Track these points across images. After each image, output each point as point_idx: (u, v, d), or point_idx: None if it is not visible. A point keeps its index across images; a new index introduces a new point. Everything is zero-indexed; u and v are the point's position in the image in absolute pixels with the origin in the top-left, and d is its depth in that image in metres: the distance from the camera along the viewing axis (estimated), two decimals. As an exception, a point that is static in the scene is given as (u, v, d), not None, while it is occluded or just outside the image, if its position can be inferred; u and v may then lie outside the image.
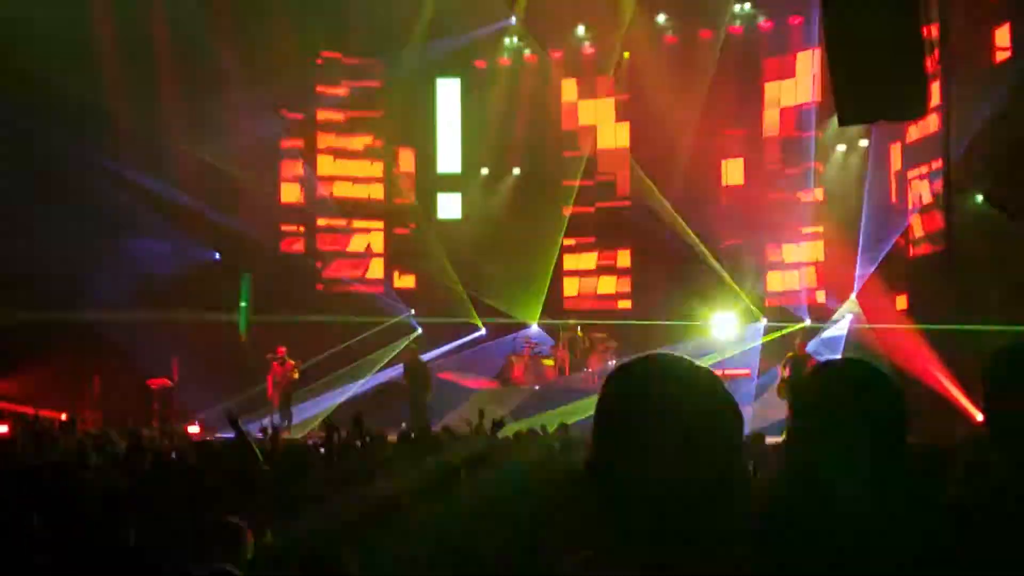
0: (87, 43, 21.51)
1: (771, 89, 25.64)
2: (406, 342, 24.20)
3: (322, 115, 26.48)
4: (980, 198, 17.08)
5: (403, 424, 17.59)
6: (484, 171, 27.79)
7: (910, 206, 20.88)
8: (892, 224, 21.53)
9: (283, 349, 21.25)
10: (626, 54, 26.83)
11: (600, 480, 1.75)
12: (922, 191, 20.33)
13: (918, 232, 20.52)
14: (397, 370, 22.61)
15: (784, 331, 23.08)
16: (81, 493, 5.82)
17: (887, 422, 2.32)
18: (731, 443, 1.75)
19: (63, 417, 18.55)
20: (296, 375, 21.28)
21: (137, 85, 22.31)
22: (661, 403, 1.74)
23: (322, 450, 10.58)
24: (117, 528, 5.15)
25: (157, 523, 5.64)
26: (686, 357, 1.85)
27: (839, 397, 2.32)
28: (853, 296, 22.54)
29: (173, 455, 10.55)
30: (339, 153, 26.78)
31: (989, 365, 2.59)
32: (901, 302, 20.80)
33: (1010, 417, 2.51)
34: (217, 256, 23.95)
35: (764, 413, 17.81)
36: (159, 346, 21.37)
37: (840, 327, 22.55)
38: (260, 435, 13.45)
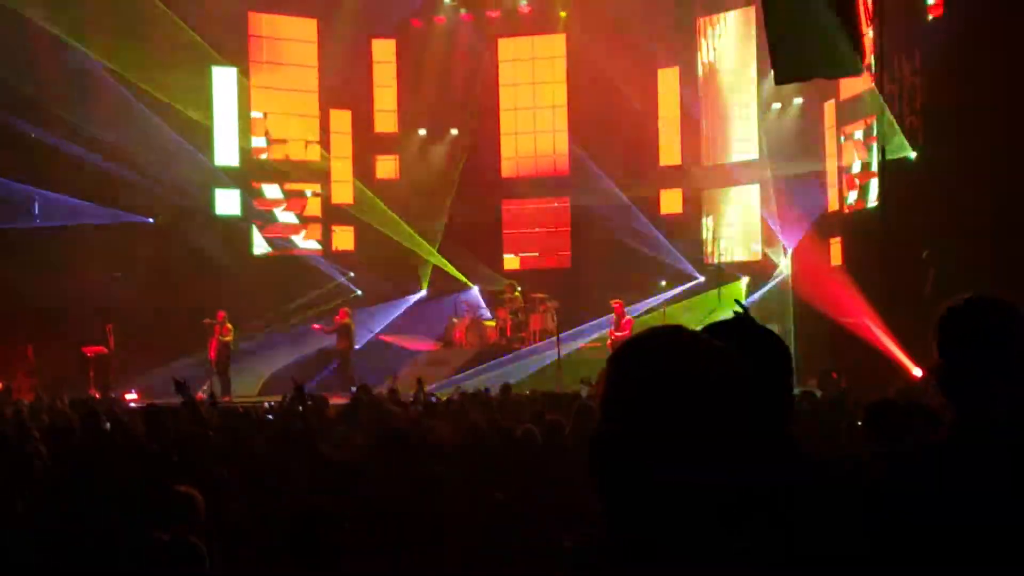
0: None
1: (705, 49, 25.77)
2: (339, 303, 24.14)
3: (256, 76, 26.06)
4: (912, 154, 17.32)
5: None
6: (422, 132, 27.63)
7: (844, 163, 21.14)
8: (827, 181, 21.81)
9: (223, 314, 21.06)
10: (563, 13, 26.79)
11: (610, 476, 1.67)
12: (856, 148, 20.59)
13: (852, 188, 20.80)
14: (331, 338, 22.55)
15: (721, 289, 23.33)
16: (27, 464, 5.74)
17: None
18: (751, 432, 1.66)
19: (-2, 386, 18.26)
20: (230, 338, 21.11)
21: (68, 45, 21.84)
22: (678, 393, 1.64)
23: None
24: (69, 498, 5.10)
25: (109, 492, 5.59)
26: (697, 332, 1.75)
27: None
28: (789, 251, 22.85)
29: (111, 424, 10.42)
30: (275, 114, 26.42)
31: (943, 321, 2.64)
32: (836, 257, 21.10)
33: (963, 372, 2.57)
34: (152, 220, 23.56)
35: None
36: (93, 312, 21.05)
37: (775, 283, 22.91)
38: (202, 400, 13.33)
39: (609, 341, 20.57)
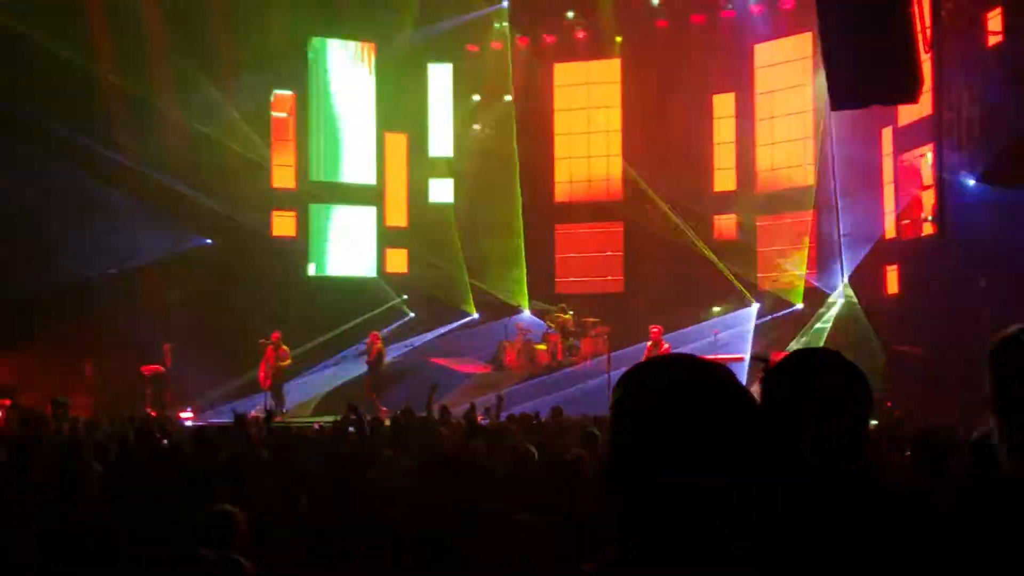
0: (80, 17, 21.41)
1: (763, 73, 25.71)
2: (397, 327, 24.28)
3: (315, 99, 26.37)
4: (972, 181, 17.11)
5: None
6: (477, 157, 27.75)
7: (901, 190, 20.92)
8: (884, 207, 21.59)
9: (277, 334, 21.22)
10: (618, 38, 26.85)
11: (619, 482, 1.76)
12: (913, 175, 20.37)
13: (909, 216, 20.57)
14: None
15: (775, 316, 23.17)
16: (78, 479, 5.83)
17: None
18: (754, 440, 1.75)
19: (58, 402, 18.47)
20: (288, 361, 21.26)
21: (131, 70, 22.21)
22: (682, 404, 1.75)
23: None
24: (118, 514, 5.16)
25: (154, 510, 5.65)
26: (700, 356, 1.85)
27: None
28: (845, 279, 22.64)
29: (166, 442, 10.55)
30: (331, 137, 26.69)
31: (994, 352, 2.61)
32: (893, 284, 20.86)
33: (1016, 404, 2.53)
34: (209, 241, 23.87)
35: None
36: (151, 331, 21.33)
37: (832, 310, 22.68)
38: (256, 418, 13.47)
39: None
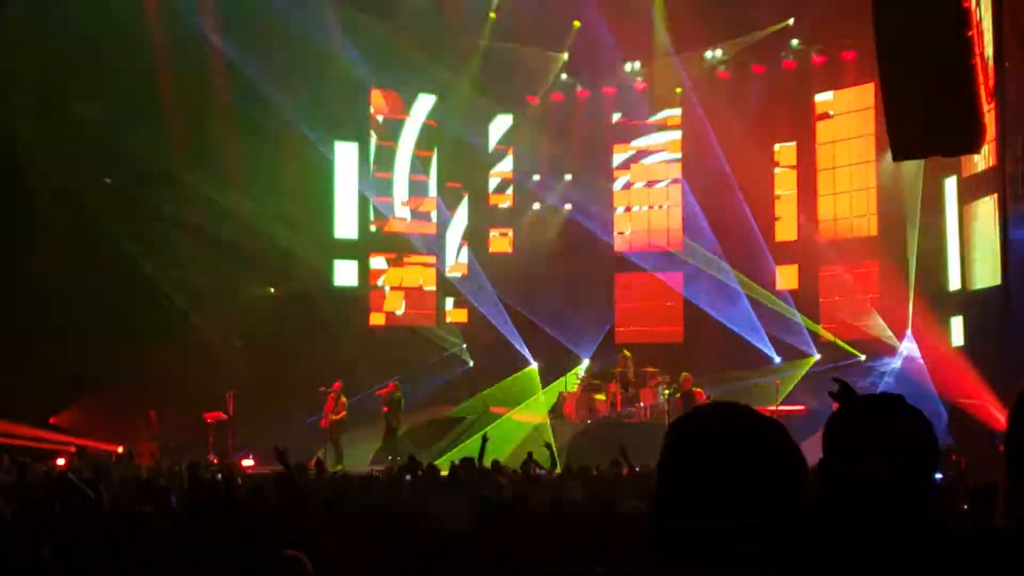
0: (144, 81, 21.91)
1: (824, 125, 25.66)
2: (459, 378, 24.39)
3: (377, 154, 26.73)
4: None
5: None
6: (536, 206, 27.95)
7: (965, 240, 20.66)
8: (948, 258, 21.33)
9: (339, 384, 21.37)
10: (678, 89, 26.95)
11: (662, 525, 1.77)
12: (977, 225, 20.11)
13: (973, 267, 20.29)
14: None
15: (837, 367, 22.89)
16: (136, 524, 5.93)
17: None
18: (793, 490, 1.76)
19: (119, 450, 18.77)
20: (344, 414, 21.31)
21: (197, 130, 22.66)
22: (724, 452, 1.76)
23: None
24: (182, 562, 5.24)
25: (218, 556, 5.73)
26: (748, 405, 1.86)
27: None
28: (908, 331, 22.36)
29: (223, 484, 10.67)
30: (395, 187, 27.01)
31: (1017, 400, 2.62)
32: (957, 336, 20.55)
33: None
34: (273, 291, 24.19)
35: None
36: (215, 379, 21.61)
37: (895, 362, 22.39)
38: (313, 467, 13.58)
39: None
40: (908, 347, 22.50)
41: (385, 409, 21.93)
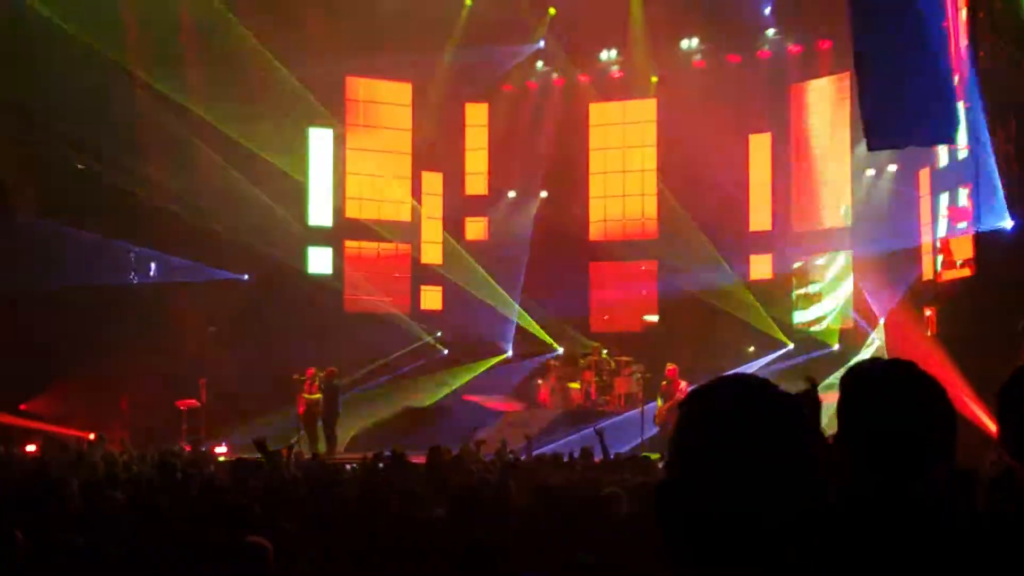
0: (121, 54, 21.76)
1: (799, 114, 25.71)
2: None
3: (352, 138, 26.62)
4: (1010, 223, 16.96)
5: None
6: (511, 194, 27.91)
7: (940, 231, 20.76)
8: (921, 249, 21.43)
9: (312, 370, 21.27)
10: (654, 78, 26.94)
11: (676, 501, 1.72)
12: (951, 216, 20.22)
13: (946, 257, 20.39)
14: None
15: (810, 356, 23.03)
16: (110, 512, 5.87)
17: None
18: (813, 466, 1.72)
19: (91, 436, 18.65)
20: (317, 396, 21.13)
21: (169, 105, 22.54)
22: (743, 426, 1.70)
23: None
24: (142, 547, 5.19)
25: (182, 541, 5.67)
26: (767, 379, 1.80)
27: None
28: (881, 321, 22.47)
29: (197, 472, 10.61)
30: (368, 175, 26.92)
31: (1006, 386, 2.61)
32: (930, 327, 20.66)
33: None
34: (246, 277, 24.06)
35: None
36: (187, 366, 21.50)
37: (868, 352, 22.48)
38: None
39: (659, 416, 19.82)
40: (879, 336, 22.61)
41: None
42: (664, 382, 20.23)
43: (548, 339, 26.28)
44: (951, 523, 2.22)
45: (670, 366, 20.37)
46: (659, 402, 20.02)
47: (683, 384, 19.72)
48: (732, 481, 1.66)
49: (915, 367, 2.39)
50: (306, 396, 21.08)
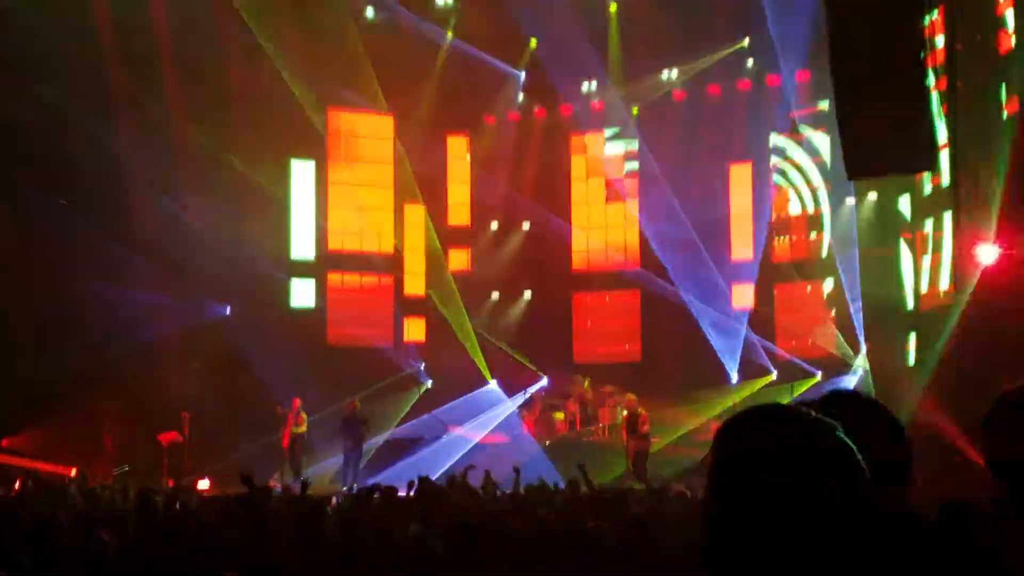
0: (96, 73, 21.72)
1: (779, 143, 25.86)
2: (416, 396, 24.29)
3: (333, 170, 26.60)
4: (991, 248, 17.04)
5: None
6: (494, 225, 27.93)
7: (919, 258, 20.85)
8: (903, 276, 21.52)
9: (297, 402, 21.20)
10: (635, 110, 27.08)
11: (717, 528, 1.73)
12: (931, 243, 20.31)
13: (927, 284, 20.47)
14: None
15: (794, 384, 23.05)
16: (90, 550, 5.81)
17: None
18: (852, 493, 1.72)
19: (72, 473, 18.48)
20: (303, 428, 21.14)
21: (150, 139, 22.50)
22: (781, 454, 1.71)
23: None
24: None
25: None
26: (802, 408, 1.81)
27: None
28: (863, 349, 22.52)
29: (180, 509, 10.52)
30: (350, 208, 26.89)
31: (991, 411, 2.62)
32: (911, 354, 20.71)
33: (1013, 464, 2.53)
34: (228, 311, 23.95)
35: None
36: (170, 401, 21.36)
37: (851, 380, 22.53)
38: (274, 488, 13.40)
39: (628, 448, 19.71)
40: (863, 363, 22.66)
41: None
42: (625, 412, 20.25)
43: (533, 368, 26.24)
44: (942, 555, 2.21)
45: (629, 396, 20.35)
46: (623, 434, 19.97)
47: (642, 411, 19.65)
48: (770, 506, 1.67)
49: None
50: (292, 429, 21.00)
